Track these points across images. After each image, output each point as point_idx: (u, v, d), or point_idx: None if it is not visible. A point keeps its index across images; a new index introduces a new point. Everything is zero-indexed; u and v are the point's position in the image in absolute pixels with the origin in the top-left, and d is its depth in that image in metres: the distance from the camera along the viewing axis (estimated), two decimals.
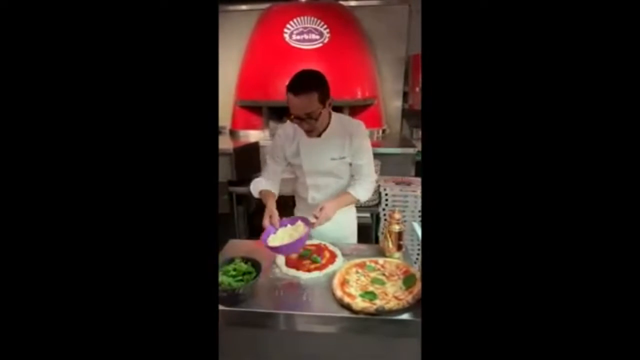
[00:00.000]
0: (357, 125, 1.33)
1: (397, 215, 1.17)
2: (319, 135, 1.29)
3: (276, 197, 1.37)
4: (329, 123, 1.30)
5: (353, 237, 1.52)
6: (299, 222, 1.20)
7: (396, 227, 1.16)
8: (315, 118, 1.19)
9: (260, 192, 1.37)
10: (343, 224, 1.44)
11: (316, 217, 1.19)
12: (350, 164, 1.35)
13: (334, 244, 1.27)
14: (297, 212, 1.53)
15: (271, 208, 1.22)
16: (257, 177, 1.44)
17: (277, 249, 1.09)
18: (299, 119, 1.20)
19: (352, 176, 1.37)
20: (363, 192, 1.33)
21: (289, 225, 1.21)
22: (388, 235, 1.17)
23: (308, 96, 1.14)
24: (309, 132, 1.26)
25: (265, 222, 1.19)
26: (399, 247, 1.17)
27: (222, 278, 0.98)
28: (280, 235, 1.18)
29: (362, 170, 1.34)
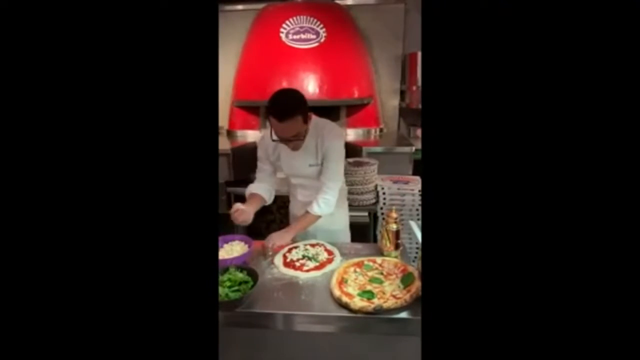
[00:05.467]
0: (330, 127, 1.31)
1: (394, 214, 1.17)
2: None
3: (272, 197, 1.41)
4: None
5: (346, 230, 1.54)
6: (243, 242, 1.27)
7: (393, 226, 1.16)
8: (302, 138, 1.22)
9: (248, 195, 1.39)
10: (336, 219, 1.45)
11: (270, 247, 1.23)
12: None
13: (332, 244, 1.27)
14: (292, 208, 1.56)
15: (240, 204, 1.27)
16: (255, 177, 1.44)
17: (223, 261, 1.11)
18: (286, 140, 1.21)
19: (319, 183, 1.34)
20: (324, 206, 1.29)
21: (235, 242, 1.27)
22: (386, 234, 1.18)
23: (293, 120, 1.15)
24: (294, 149, 1.26)
25: (232, 213, 1.25)
26: (397, 246, 1.18)
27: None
28: (227, 249, 1.23)
29: (327, 173, 1.30)
